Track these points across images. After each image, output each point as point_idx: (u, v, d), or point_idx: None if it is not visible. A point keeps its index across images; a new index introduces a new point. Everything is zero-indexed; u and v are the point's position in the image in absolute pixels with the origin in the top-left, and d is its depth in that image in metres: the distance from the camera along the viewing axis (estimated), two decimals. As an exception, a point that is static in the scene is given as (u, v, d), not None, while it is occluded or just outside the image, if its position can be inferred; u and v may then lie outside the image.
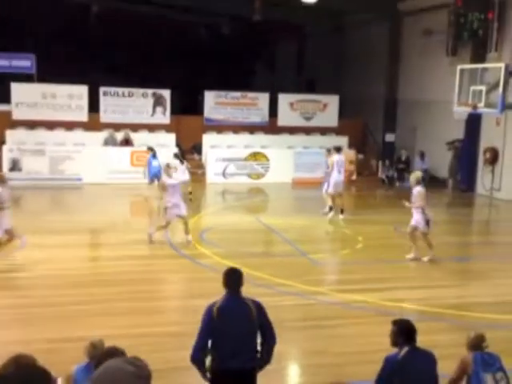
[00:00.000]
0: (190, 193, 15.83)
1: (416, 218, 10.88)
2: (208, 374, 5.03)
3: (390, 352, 5.00)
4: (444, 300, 9.06)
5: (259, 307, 5.06)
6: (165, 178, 11.48)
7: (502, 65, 13.56)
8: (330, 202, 14.50)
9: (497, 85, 13.37)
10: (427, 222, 10.87)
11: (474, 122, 18.42)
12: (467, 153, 18.95)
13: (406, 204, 11.07)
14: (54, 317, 7.90)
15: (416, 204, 10.84)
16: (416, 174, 11.34)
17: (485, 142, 18.42)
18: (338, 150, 14.84)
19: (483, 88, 13.76)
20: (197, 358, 4.99)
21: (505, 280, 10.16)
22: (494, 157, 17.94)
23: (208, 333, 4.93)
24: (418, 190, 10.89)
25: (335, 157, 14.52)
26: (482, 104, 13.75)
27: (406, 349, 4.92)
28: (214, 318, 4.91)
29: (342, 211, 14.50)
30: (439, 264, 11.02)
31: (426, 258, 10.98)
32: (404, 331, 5.00)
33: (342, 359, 6.91)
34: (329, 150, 15.19)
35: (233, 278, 5.13)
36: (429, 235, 10.95)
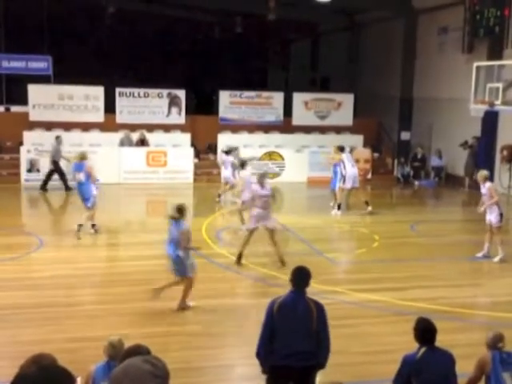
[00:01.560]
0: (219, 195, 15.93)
1: (493, 214, 10.95)
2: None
3: (408, 351, 5.00)
4: (461, 299, 9.01)
5: (320, 309, 5.10)
6: (256, 188, 10.54)
7: (519, 62, 13.44)
8: (339, 199, 14.73)
9: (514, 82, 13.24)
10: (501, 216, 10.98)
11: (490, 120, 18.24)
12: (484, 151, 18.78)
13: (481, 209, 11.18)
14: (73, 316, 7.98)
15: (494, 200, 10.93)
16: (483, 172, 11.49)
17: (502, 139, 18.24)
18: (342, 149, 15.25)
19: (500, 85, 13.61)
20: (259, 353, 5.08)
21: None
22: (511, 155, 17.76)
23: (269, 327, 5.00)
24: (490, 187, 11.06)
25: (343, 155, 14.92)
26: (498, 101, 13.60)
27: (424, 349, 4.92)
28: (274, 312, 4.96)
29: (367, 203, 14.87)
30: (455, 263, 10.95)
31: (496, 259, 10.93)
32: (422, 331, 5.00)
33: (361, 359, 6.91)
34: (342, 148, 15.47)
35: (299, 276, 5.18)
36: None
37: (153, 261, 10.57)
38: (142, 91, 21.00)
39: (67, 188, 16.87)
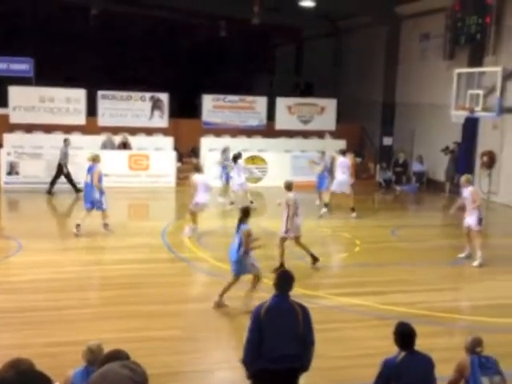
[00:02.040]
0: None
1: (472, 218, 11.14)
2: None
3: (389, 355, 5.03)
4: (440, 303, 9.08)
5: (306, 312, 5.15)
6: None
7: (499, 69, 13.63)
8: (327, 199, 15.17)
9: (494, 89, 13.42)
10: (480, 221, 11.14)
11: (471, 126, 18.45)
12: (464, 156, 18.99)
13: (452, 211, 11.65)
14: (52, 321, 7.90)
15: (476, 204, 11.08)
16: (467, 176, 11.74)
17: (482, 145, 18.46)
18: (344, 153, 15.81)
19: (480, 92, 13.82)
20: (246, 358, 5.07)
21: (500, 283, 10.19)
22: (491, 160, 17.97)
23: (256, 331, 5.00)
24: (473, 190, 11.29)
25: (340, 159, 15.34)
26: (479, 108, 13.81)
27: (403, 353, 4.96)
28: (261, 317, 4.97)
29: (353, 209, 15.04)
30: (435, 267, 11.04)
31: (476, 263, 11.03)
32: (402, 335, 5.04)
33: (342, 363, 6.93)
34: (322, 153, 16.32)
35: (283, 280, 5.21)
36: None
37: (135, 264, 10.53)
38: (124, 94, 20.92)
39: (76, 190, 16.84)
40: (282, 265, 10.16)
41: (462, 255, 11.48)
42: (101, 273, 10.29)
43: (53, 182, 17.30)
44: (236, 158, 16.04)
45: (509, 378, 5.14)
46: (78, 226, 12.36)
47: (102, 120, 20.63)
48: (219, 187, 16.81)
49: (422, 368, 4.98)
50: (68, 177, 17.29)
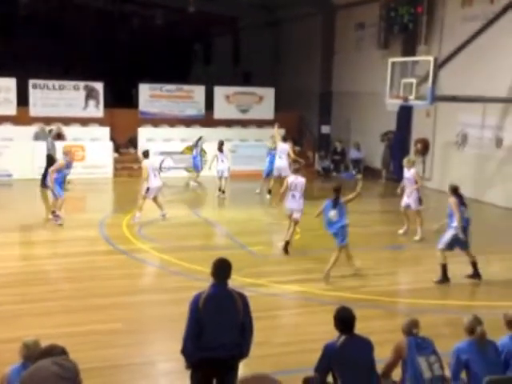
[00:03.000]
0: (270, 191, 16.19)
1: (412, 198, 12.01)
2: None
3: (330, 340, 5.11)
4: (378, 287, 9.31)
5: (245, 300, 5.10)
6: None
7: (431, 58, 13.97)
8: (270, 186, 16.10)
9: (426, 77, 13.77)
10: (420, 201, 12.02)
11: (405, 114, 18.94)
12: (399, 144, 19.49)
13: (399, 190, 12.52)
14: (-15, 318, 7.60)
15: (417, 185, 11.93)
16: (410, 158, 12.86)
17: (416, 133, 18.99)
18: (285, 139, 16.51)
19: (414, 81, 14.15)
20: (185, 348, 4.99)
21: (435, 266, 10.50)
22: (424, 147, 18.49)
23: (195, 322, 4.93)
24: (414, 172, 12.06)
25: (280, 144, 16.08)
26: (412, 96, 14.13)
27: (343, 337, 5.05)
28: (200, 307, 4.90)
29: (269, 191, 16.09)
30: (375, 252, 11.30)
31: (417, 237, 11.86)
32: (342, 320, 5.13)
33: (284, 349, 6.99)
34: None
35: (221, 269, 5.12)
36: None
37: (72, 258, 10.27)
38: (56, 83, 20.30)
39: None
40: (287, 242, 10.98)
41: (401, 231, 12.36)
42: (37, 267, 9.97)
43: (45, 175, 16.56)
44: (221, 145, 16.51)
45: (444, 357, 5.32)
46: (53, 212, 12.55)
47: (34, 110, 19.96)
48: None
49: (362, 351, 5.08)
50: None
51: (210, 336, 4.91)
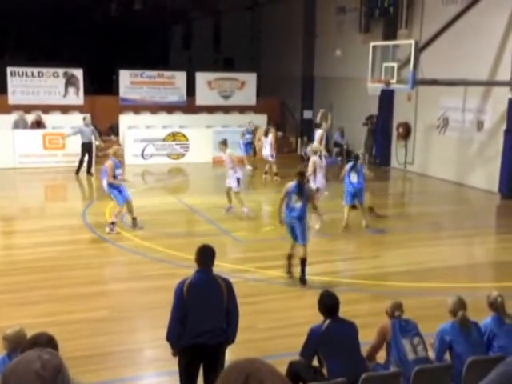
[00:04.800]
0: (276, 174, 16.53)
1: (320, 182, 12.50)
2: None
3: (314, 324, 5.14)
4: (362, 271, 9.38)
5: (230, 285, 5.11)
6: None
7: (411, 41, 13.96)
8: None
9: (407, 61, 13.78)
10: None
11: (387, 98, 18.99)
12: (381, 128, 19.56)
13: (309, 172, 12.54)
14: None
15: (310, 171, 12.16)
16: (313, 146, 13.43)
17: (398, 117, 19.06)
18: (266, 133, 16.98)
19: (395, 64, 14.15)
20: (170, 335, 5.01)
21: (417, 249, 10.63)
22: (406, 131, 18.60)
23: (180, 309, 4.93)
24: (314, 160, 12.40)
25: (262, 138, 16.81)
26: (394, 80, 14.14)
27: (328, 320, 5.09)
28: (184, 294, 4.90)
29: (276, 174, 16.53)
30: (356, 237, 11.36)
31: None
32: (326, 304, 5.17)
33: (269, 334, 7.03)
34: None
35: (205, 255, 5.12)
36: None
37: (55, 247, 10.20)
38: (35, 70, 20.00)
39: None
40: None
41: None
42: (18, 257, 9.89)
43: (89, 162, 17.06)
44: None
45: (428, 338, 5.39)
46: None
47: (13, 98, 19.67)
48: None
49: (347, 334, 5.13)
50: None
51: (196, 322, 4.92)
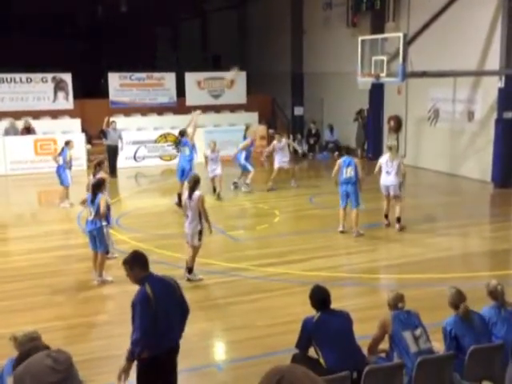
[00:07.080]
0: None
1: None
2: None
3: (307, 315, 5.16)
4: (360, 265, 9.39)
5: (178, 284, 5.11)
6: None
7: (400, 34, 13.96)
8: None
9: (396, 54, 13.78)
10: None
11: (377, 92, 19.00)
12: (372, 122, 19.57)
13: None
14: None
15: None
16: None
17: (388, 110, 19.08)
18: (275, 138, 16.35)
19: (384, 58, 14.14)
20: (142, 347, 4.79)
21: (411, 242, 10.65)
22: (397, 124, 18.61)
23: (150, 317, 4.77)
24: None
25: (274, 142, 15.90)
26: (383, 74, 14.13)
27: (319, 313, 5.11)
28: (151, 301, 4.77)
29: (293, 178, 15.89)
30: (350, 231, 11.34)
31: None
32: (317, 299, 5.20)
33: (268, 331, 7.01)
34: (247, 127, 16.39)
35: (143, 260, 5.09)
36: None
37: (51, 252, 10.15)
38: (24, 76, 19.87)
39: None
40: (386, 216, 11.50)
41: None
42: (15, 264, 9.81)
43: (113, 166, 17.29)
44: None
45: (430, 328, 5.38)
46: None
47: (2, 105, 19.54)
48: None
49: (339, 324, 5.14)
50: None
51: (164, 327, 4.81)
